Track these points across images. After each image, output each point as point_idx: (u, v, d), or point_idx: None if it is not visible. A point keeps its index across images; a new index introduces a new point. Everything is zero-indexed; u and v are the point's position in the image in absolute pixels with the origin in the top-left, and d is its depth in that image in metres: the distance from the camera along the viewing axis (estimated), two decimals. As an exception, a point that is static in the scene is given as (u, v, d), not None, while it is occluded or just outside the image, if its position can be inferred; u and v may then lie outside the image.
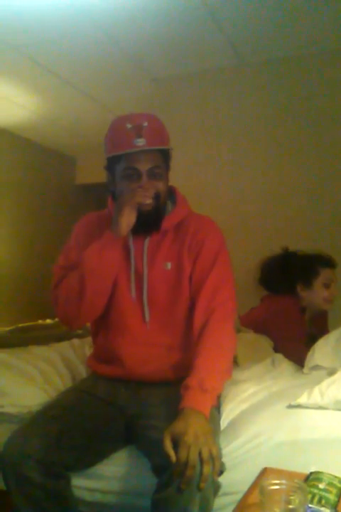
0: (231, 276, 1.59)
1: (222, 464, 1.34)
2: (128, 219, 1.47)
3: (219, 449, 1.35)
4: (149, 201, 1.50)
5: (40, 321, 4.22)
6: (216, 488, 1.29)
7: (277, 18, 2.93)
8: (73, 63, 3.57)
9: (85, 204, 5.86)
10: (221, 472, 1.33)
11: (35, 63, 3.53)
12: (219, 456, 1.29)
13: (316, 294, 2.54)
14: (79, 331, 2.66)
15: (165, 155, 1.56)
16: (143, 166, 1.50)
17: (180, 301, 1.56)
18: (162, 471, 1.28)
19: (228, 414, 1.63)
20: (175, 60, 3.49)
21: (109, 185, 1.61)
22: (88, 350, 2.18)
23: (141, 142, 1.48)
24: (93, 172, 5.79)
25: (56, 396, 1.69)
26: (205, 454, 1.22)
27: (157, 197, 1.52)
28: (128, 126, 1.50)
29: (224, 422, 1.59)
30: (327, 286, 2.53)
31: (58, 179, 5.83)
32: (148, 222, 1.53)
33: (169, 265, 1.56)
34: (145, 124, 1.50)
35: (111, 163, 1.56)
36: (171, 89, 3.75)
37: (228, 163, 3.52)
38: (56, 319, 4.06)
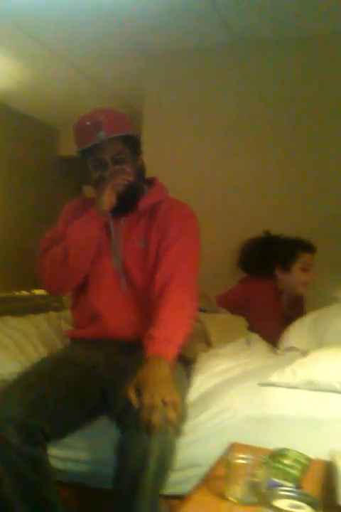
0: (194, 253, 1.75)
1: (184, 410, 1.40)
2: (109, 198, 1.68)
3: (183, 398, 1.43)
4: (128, 179, 1.70)
5: (16, 293, 4.20)
6: (178, 432, 1.34)
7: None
8: (62, 32, 3.47)
9: (67, 176, 5.79)
10: (182, 418, 1.38)
11: (19, 29, 3.43)
12: (182, 404, 1.37)
13: (294, 278, 2.58)
14: (56, 304, 2.66)
15: (128, 141, 1.74)
16: (107, 155, 1.70)
17: (148, 271, 1.73)
18: (124, 416, 1.33)
19: (199, 385, 1.66)
20: (168, 37, 3.44)
21: (82, 176, 1.80)
22: (64, 325, 2.18)
23: (100, 134, 1.67)
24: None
25: (33, 364, 1.70)
26: (168, 399, 1.30)
27: (127, 181, 1.71)
28: (88, 123, 1.70)
29: (194, 393, 1.62)
30: (305, 270, 2.58)
31: (39, 150, 5.72)
32: (124, 203, 1.72)
33: (142, 243, 1.76)
34: (103, 117, 1.70)
35: (83, 157, 1.76)
36: (163, 65, 3.70)
37: (218, 143, 3.50)
38: (32, 291, 4.05)
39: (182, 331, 1.55)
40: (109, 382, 1.55)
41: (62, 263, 1.69)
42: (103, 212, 1.70)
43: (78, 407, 1.51)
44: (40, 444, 1.40)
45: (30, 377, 1.54)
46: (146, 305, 1.68)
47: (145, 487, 1.26)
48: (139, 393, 1.32)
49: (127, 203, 1.72)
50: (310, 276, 2.59)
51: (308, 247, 2.59)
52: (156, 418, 1.27)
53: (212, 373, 1.73)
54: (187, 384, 1.61)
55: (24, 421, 1.35)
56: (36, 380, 1.50)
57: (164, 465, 1.30)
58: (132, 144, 1.76)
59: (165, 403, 1.30)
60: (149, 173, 1.86)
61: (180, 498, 1.35)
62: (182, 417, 1.37)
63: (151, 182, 1.86)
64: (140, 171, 1.80)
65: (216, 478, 1.09)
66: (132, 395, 1.32)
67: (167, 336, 1.48)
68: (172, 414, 1.29)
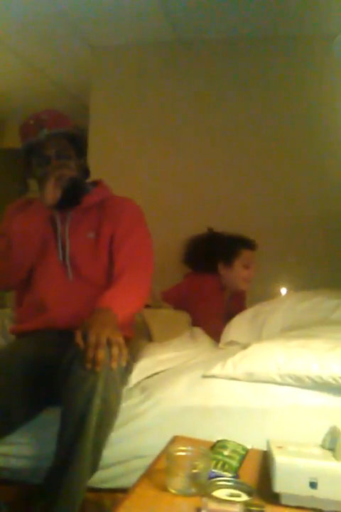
0: (149, 242, 1.84)
1: (130, 358, 1.51)
2: (53, 191, 1.71)
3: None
4: (71, 173, 1.75)
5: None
6: (123, 376, 1.45)
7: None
8: (6, 22, 3.38)
9: (13, 169, 5.64)
10: (128, 364, 1.47)
11: None
12: (125, 348, 1.43)
13: (236, 274, 2.66)
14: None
15: (72, 140, 1.81)
16: (50, 151, 1.76)
17: (99, 262, 1.80)
18: (71, 363, 1.38)
19: (144, 370, 1.71)
20: (114, 30, 3.44)
21: (26, 173, 1.86)
22: (8, 322, 2.16)
23: (43, 131, 1.74)
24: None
25: None
26: (112, 338, 1.38)
27: (70, 176, 1.75)
28: (31, 122, 1.77)
29: (138, 376, 1.67)
30: (246, 266, 2.66)
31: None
32: (68, 197, 1.75)
33: (91, 235, 1.81)
34: (46, 116, 1.77)
35: (27, 155, 1.81)
36: (109, 58, 3.69)
37: (160, 138, 3.53)
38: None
39: (134, 302, 1.65)
40: (58, 372, 1.53)
41: (5, 256, 1.72)
42: (48, 205, 1.73)
43: (25, 401, 1.52)
44: None
45: None
46: (94, 295, 1.69)
47: (89, 428, 1.31)
48: (85, 336, 1.38)
49: (71, 197, 1.77)
50: (251, 272, 2.67)
51: (249, 244, 2.68)
52: (101, 354, 1.33)
53: (156, 361, 1.78)
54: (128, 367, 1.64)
55: None
56: None
57: (109, 408, 1.35)
58: (76, 143, 1.82)
59: (109, 342, 1.36)
60: (96, 168, 1.92)
61: (123, 491, 1.38)
62: (127, 366, 1.45)
63: (96, 183, 1.94)
64: (84, 170, 1.88)
65: (158, 471, 1.12)
66: (79, 339, 1.38)
67: (117, 296, 1.59)
68: (116, 351, 1.37)
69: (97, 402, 1.31)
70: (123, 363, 1.42)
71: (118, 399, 1.41)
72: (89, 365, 1.32)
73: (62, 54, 3.86)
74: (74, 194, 1.78)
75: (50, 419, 1.50)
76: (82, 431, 1.31)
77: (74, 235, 1.81)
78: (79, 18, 3.30)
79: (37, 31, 3.50)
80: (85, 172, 1.90)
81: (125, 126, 3.58)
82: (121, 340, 1.40)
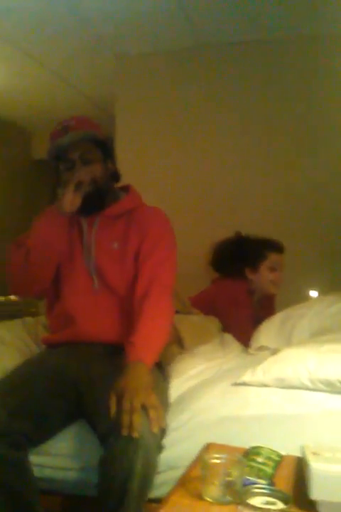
0: (173, 259, 1.80)
1: (164, 421, 1.41)
2: (70, 198, 1.67)
3: (163, 406, 1.46)
4: (94, 177, 1.72)
5: (10, 297, 4.14)
6: (159, 447, 1.37)
7: (237, 2, 2.96)
8: (33, 35, 3.47)
9: (41, 180, 5.74)
10: (163, 432, 1.40)
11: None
12: (162, 409, 1.40)
13: (263, 277, 2.63)
14: (32, 310, 2.65)
15: (98, 144, 1.78)
16: (74, 155, 1.73)
17: (125, 275, 1.76)
18: (107, 433, 1.33)
19: (176, 388, 1.70)
20: (138, 38, 3.48)
21: (56, 181, 1.80)
22: (41, 330, 2.19)
23: (69, 135, 1.73)
24: (49, 147, 5.68)
25: (11, 370, 1.71)
26: (147, 402, 1.34)
27: (94, 180, 1.73)
28: (58, 128, 1.76)
29: (171, 397, 1.65)
30: (273, 269, 2.63)
31: (13, 153, 5.66)
32: (91, 203, 1.73)
33: (116, 245, 1.77)
34: (72, 122, 1.76)
35: (55, 161, 1.78)
36: (134, 66, 3.74)
37: (189, 144, 3.55)
38: (8, 297, 4.01)
39: (161, 338, 1.60)
40: (84, 393, 1.56)
41: (25, 263, 1.69)
42: (64, 213, 1.69)
43: (56, 412, 1.53)
44: (23, 449, 1.41)
45: (9, 382, 1.55)
46: (121, 306, 1.72)
47: (129, 507, 1.28)
48: (119, 400, 1.34)
49: (94, 202, 1.74)
50: (278, 275, 2.64)
51: (276, 247, 2.65)
52: (136, 418, 1.29)
53: (188, 376, 1.77)
54: (166, 396, 1.62)
55: (6, 425, 1.37)
56: (15, 385, 1.53)
57: (147, 483, 1.32)
58: (102, 147, 1.79)
59: (144, 407, 1.32)
60: (122, 176, 1.88)
61: (158, 501, 1.38)
62: (163, 431, 1.39)
63: (126, 189, 1.89)
64: (112, 175, 1.83)
65: (192, 479, 1.12)
66: (112, 403, 1.34)
67: (146, 343, 1.53)
68: (153, 414, 1.32)
69: (135, 484, 1.28)
70: (163, 425, 1.38)
71: (156, 469, 1.36)
72: (125, 431, 1.28)
73: (87, 64, 3.93)
74: (97, 199, 1.75)
75: (85, 431, 1.51)
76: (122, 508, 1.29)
77: (100, 243, 1.78)
78: (103, 29, 3.35)
79: (62, 42, 3.57)
80: (114, 176, 1.85)
81: (150, 134, 3.61)
82: (156, 403, 1.37)
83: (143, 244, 1.76)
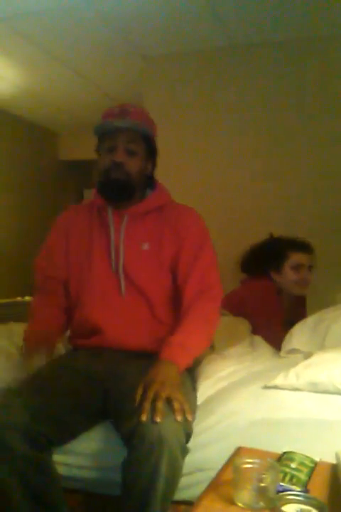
0: (216, 262, 1.72)
1: (190, 427, 1.38)
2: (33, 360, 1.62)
3: (191, 405, 1.43)
4: (131, 169, 1.67)
5: (19, 298, 4.19)
6: (184, 450, 1.34)
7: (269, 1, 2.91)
8: (59, 37, 3.50)
9: (68, 181, 5.81)
10: (188, 435, 1.37)
11: (19, 35, 3.45)
12: (187, 404, 1.36)
13: (286, 278, 2.58)
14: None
15: (145, 139, 1.72)
16: (122, 140, 1.67)
17: (157, 278, 1.68)
18: (131, 435, 1.31)
19: (205, 390, 1.66)
20: (166, 39, 3.47)
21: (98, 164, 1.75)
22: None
23: (122, 120, 1.68)
24: (77, 148, 5.74)
25: (36, 370, 1.70)
26: (173, 395, 1.31)
27: (127, 173, 1.67)
28: (116, 109, 1.71)
29: (200, 398, 1.62)
30: (295, 269, 2.56)
31: (40, 154, 5.74)
32: (117, 193, 1.68)
33: (146, 246, 1.69)
34: (131, 108, 1.70)
35: (99, 142, 1.74)
36: (161, 67, 3.72)
37: (218, 146, 3.52)
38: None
39: (201, 344, 1.57)
40: (110, 391, 1.54)
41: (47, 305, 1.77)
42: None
43: (80, 414, 1.51)
44: (46, 449, 1.40)
45: (33, 383, 1.54)
46: (151, 312, 1.66)
47: (154, 509, 1.26)
48: (145, 391, 1.34)
49: (122, 193, 1.68)
50: (303, 275, 2.57)
51: (299, 246, 2.58)
52: (160, 404, 1.27)
53: (217, 378, 1.74)
54: (194, 400, 1.58)
55: (28, 427, 1.35)
56: (39, 386, 1.51)
57: (171, 486, 1.30)
58: (149, 144, 1.74)
59: (169, 399, 1.30)
60: None
61: (186, 503, 1.35)
62: (188, 434, 1.36)
63: (152, 185, 1.81)
64: (147, 174, 1.77)
65: (223, 483, 1.09)
66: (138, 394, 1.34)
67: (183, 343, 1.50)
68: (177, 405, 1.30)
69: (161, 485, 1.26)
70: (189, 418, 1.35)
71: (181, 472, 1.33)
72: (144, 417, 1.26)
73: (114, 65, 3.94)
74: (127, 191, 1.69)
75: (111, 430, 1.50)
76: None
77: (129, 243, 1.69)
78: (130, 29, 3.35)
79: (89, 44, 3.58)
80: (148, 177, 1.78)
81: (178, 136, 3.59)
82: (180, 397, 1.34)
83: (183, 249, 1.67)
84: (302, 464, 1.20)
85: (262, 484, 1.01)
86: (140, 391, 1.35)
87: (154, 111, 3.68)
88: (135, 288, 1.67)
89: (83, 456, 1.54)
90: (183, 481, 1.39)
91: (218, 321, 1.68)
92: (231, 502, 1.02)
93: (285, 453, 1.24)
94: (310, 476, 1.16)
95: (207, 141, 3.53)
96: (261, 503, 1.00)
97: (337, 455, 1.16)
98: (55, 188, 5.70)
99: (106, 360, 1.64)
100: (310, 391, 1.59)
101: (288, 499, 1.00)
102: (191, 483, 1.42)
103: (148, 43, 3.55)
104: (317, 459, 1.25)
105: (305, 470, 1.17)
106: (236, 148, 3.47)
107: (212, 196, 3.41)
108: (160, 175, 1.88)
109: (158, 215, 1.73)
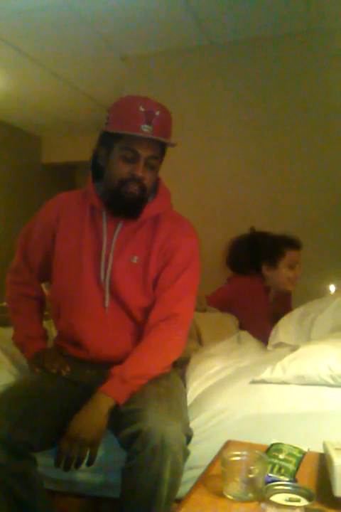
0: (195, 287, 1.64)
1: (190, 430, 1.40)
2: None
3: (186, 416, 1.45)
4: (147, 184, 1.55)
5: (4, 303, 4.15)
6: (185, 453, 1.34)
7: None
8: (39, 40, 3.49)
9: (51, 184, 5.77)
10: (189, 438, 1.38)
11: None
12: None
13: (281, 275, 2.59)
14: (46, 313, 2.63)
15: (164, 149, 1.59)
16: (144, 153, 1.51)
17: (141, 293, 1.60)
18: (132, 440, 1.31)
19: (194, 390, 1.67)
20: (144, 39, 3.46)
21: (101, 159, 1.61)
22: (54, 332, 2.17)
23: (149, 129, 1.49)
24: (59, 152, 5.72)
25: (20, 377, 1.70)
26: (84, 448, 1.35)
27: (143, 188, 1.54)
28: (141, 109, 1.51)
29: (190, 398, 1.63)
30: (291, 267, 2.58)
31: (22, 158, 5.70)
32: (130, 209, 1.56)
33: (136, 259, 1.59)
34: (158, 113, 1.52)
35: (111, 138, 1.55)
36: (140, 68, 3.72)
37: (196, 145, 3.52)
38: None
39: (149, 372, 1.49)
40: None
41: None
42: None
43: (65, 420, 1.45)
44: (27, 458, 1.38)
45: (17, 390, 1.52)
46: (136, 330, 1.60)
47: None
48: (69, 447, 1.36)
49: (131, 209, 1.56)
50: (297, 272, 2.60)
51: (294, 244, 2.60)
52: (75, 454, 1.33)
53: (206, 377, 1.74)
54: (184, 400, 1.57)
55: (8, 435, 1.33)
56: (23, 393, 1.48)
57: (174, 490, 1.31)
58: (164, 153, 1.62)
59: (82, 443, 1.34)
60: None
61: (176, 501, 1.36)
62: (189, 437, 1.37)
63: (156, 183, 1.67)
64: (155, 183, 1.65)
65: (213, 477, 1.10)
66: (61, 452, 1.36)
67: (123, 377, 1.43)
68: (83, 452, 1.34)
69: (164, 490, 1.27)
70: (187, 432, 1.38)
71: (181, 475, 1.34)
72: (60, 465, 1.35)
73: (94, 67, 3.93)
74: (135, 207, 1.57)
75: (107, 433, 1.48)
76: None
77: (118, 254, 1.58)
78: (109, 30, 3.34)
79: (68, 46, 3.57)
80: (154, 187, 1.65)
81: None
82: (93, 450, 1.37)
83: (169, 265, 1.58)
84: (290, 454, 1.21)
85: (251, 476, 1.02)
86: (64, 446, 1.36)
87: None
88: (120, 304, 1.60)
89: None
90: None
91: (180, 348, 1.59)
92: (221, 495, 1.03)
93: (273, 444, 1.25)
94: (298, 466, 1.17)
95: (188, 139, 3.53)
96: (250, 495, 1.01)
97: (324, 444, 1.17)
98: (38, 191, 5.65)
99: (90, 369, 1.61)
100: (296, 384, 1.60)
101: (277, 489, 1.02)
102: (183, 482, 1.40)
103: (127, 43, 3.54)
104: (305, 449, 1.26)
105: (294, 460, 1.19)
106: (217, 142, 3.48)
107: (192, 195, 3.41)
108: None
109: (152, 225, 1.62)
